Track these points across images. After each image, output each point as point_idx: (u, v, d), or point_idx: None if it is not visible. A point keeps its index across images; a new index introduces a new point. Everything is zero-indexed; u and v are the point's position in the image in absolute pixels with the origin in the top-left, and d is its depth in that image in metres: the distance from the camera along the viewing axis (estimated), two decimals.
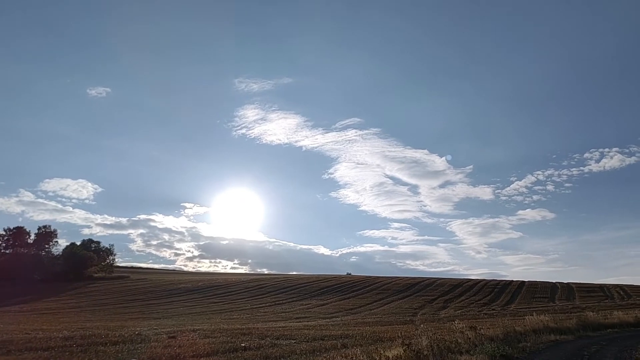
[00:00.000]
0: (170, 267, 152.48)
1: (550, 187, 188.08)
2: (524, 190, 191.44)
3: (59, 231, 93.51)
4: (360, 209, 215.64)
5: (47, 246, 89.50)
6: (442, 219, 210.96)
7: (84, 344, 14.23)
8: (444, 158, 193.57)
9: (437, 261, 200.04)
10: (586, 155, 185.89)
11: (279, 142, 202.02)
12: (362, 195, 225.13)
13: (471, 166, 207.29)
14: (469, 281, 71.91)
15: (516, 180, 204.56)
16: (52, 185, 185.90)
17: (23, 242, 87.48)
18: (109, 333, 17.77)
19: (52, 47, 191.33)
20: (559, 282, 70.58)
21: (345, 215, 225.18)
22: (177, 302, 52.73)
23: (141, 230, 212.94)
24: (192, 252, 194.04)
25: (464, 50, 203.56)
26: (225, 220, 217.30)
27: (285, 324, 27.64)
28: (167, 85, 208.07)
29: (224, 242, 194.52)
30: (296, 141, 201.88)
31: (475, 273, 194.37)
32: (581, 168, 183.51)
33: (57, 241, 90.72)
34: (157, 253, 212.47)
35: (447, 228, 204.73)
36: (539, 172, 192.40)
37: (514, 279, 74.76)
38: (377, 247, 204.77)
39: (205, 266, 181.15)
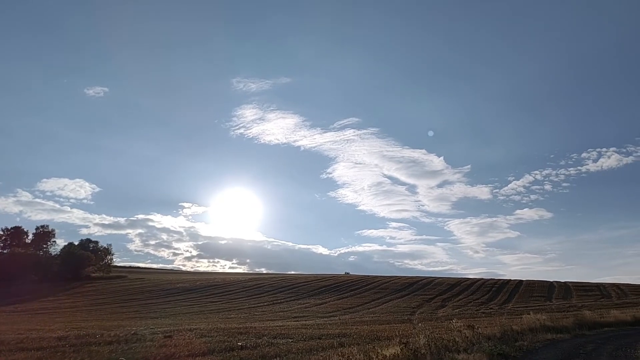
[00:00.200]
0: (169, 266, 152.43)
1: (547, 187, 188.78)
2: (522, 189, 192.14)
3: (57, 231, 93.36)
4: (358, 208, 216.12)
5: (45, 246, 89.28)
6: (440, 219, 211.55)
7: (78, 344, 14.12)
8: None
9: (435, 260, 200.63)
10: (584, 154, 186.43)
11: (277, 142, 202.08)
12: (360, 194, 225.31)
13: (469, 166, 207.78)
14: (467, 280, 71.95)
15: (514, 180, 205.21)
16: (49, 185, 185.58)
17: (21, 242, 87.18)
18: (104, 333, 17.67)
19: (50, 47, 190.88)
20: (556, 281, 70.72)
21: (344, 214, 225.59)
22: (174, 301, 52.59)
23: (139, 230, 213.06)
24: (191, 252, 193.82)
25: (461, 49, 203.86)
26: (223, 220, 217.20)
27: (282, 323, 27.56)
28: (165, 85, 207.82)
29: (223, 242, 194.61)
30: (294, 141, 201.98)
31: (473, 272, 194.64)
32: (579, 168, 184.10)
33: (55, 241, 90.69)
34: (156, 253, 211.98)
35: (445, 227, 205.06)
36: (537, 172, 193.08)
37: (512, 278, 74.97)
38: (375, 247, 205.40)
39: (203, 266, 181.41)
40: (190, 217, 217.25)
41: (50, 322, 29.83)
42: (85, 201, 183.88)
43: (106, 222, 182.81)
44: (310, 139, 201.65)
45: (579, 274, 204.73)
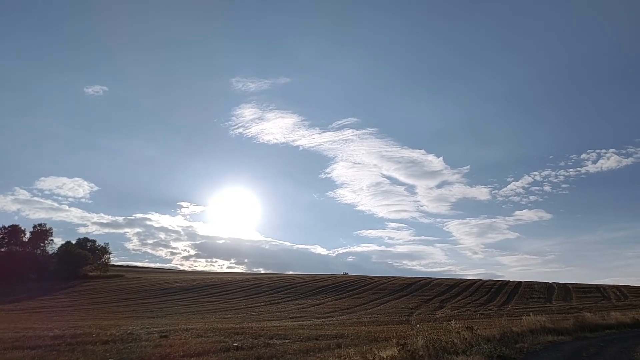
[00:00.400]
0: (166, 266, 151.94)
1: (547, 188, 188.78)
2: (521, 190, 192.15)
3: (55, 230, 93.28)
4: (357, 208, 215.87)
5: (42, 245, 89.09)
6: (438, 219, 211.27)
7: (73, 343, 13.93)
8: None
9: (433, 261, 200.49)
10: (583, 156, 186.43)
11: (275, 142, 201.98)
12: (359, 195, 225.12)
13: (468, 166, 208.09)
14: (466, 281, 71.83)
15: (513, 181, 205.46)
16: (48, 183, 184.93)
17: (18, 240, 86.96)
18: (100, 332, 17.47)
19: (49, 46, 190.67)
20: (556, 283, 70.65)
21: (342, 215, 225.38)
22: (171, 301, 52.37)
23: (137, 229, 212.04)
24: (189, 251, 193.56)
25: (461, 50, 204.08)
26: (221, 219, 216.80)
27: (280, 324, 27.39)
28: (165, 84, 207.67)
29: (220, 242, 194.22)
30: (293, 141, 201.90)
31: (472, 273, 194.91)
32: (578, 169, 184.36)
33: (52, 240, 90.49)
34: (153, 252, 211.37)
35: (443, 228, 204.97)
36: (536, 173, 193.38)
37: (511, 280, 74.91)
38: (374, 247, 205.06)
39: (201, 265, 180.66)
40: (188, 217, 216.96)
41: (48, 320, 29.60)
42: (83, 200, 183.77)
43: (104, 221, 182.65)
44: (309, 138, 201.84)
45: (578, 276, 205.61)
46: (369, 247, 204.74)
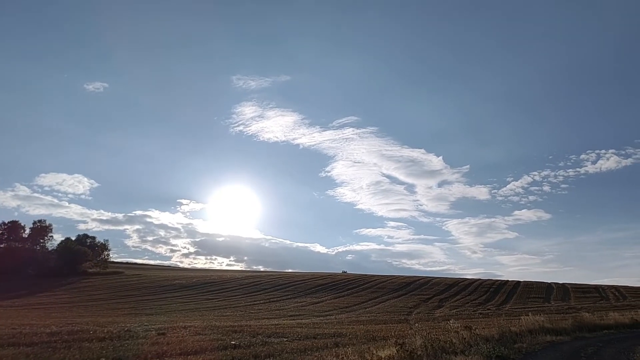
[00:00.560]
0: (166, 263, 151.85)
1: (546, 188, 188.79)
2: (520, 190, 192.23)
3: (54, 226, 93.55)
4: (356, 207, 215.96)
5: (42, 241, 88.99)
6: (438, 219, 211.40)
7: (70, 340, 13.89)
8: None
9: (432, 260, 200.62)
10: (582, 156, 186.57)
11: (276, 140, 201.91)
12: (359, 193, 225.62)
13: (468, 166, 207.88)
14: (465, 281, 71.83)
15: (512, 181, 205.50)
16: (48, 179, 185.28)
17: (18, 236, 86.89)
18: (98, 329, 17.42)
19: (50, 43, 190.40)
20: (555, 283, 70.66)
21: (342, 213, 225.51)
22: (170, 298, 52.36)
23: (137, 226, 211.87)
24: (188, 249, 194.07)
25: (461, 50, 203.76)
26: (221, 217, 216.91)
27: (278, 322, 27.35)
28: (165, 82, 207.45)
29: (220, 239, 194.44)
30: (293, 139, 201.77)
31: (471, 273, 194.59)
32: (577, 169, 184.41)
33: (52, 236, 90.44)
34: (153, 249, 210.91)
35: (443, 227, 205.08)
36: (536, 173, 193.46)
37: (510, 279, 74.85)
38: (373, 246, 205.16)
39: (200, 263, 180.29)
40: (188, 214, 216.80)
41: (46, 317, 29.57)
42: (83, 196, 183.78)
43: (104, 218, 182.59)
44: (309, 137, 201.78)
45: (577, 276, 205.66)
46: (368, 245, 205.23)
